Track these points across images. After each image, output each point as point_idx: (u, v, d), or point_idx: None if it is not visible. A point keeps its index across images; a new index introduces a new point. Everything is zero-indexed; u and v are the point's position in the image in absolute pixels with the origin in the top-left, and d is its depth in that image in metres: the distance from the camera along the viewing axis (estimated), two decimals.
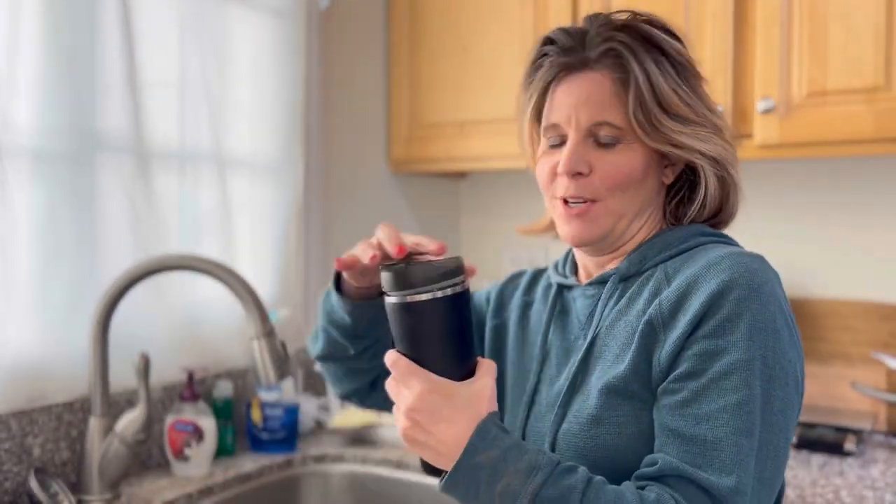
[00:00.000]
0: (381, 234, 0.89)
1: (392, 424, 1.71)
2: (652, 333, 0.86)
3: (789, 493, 1.38)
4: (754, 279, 0.83)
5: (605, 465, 0.86)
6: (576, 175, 0.91)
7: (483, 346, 1.12)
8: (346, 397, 1.13)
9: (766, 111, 1.59)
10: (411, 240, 0.87)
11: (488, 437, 0.79)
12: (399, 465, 1.62)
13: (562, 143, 0.94)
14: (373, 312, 1.00)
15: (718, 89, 1.65)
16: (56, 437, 1.39)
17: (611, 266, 0.97)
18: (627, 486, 0.80)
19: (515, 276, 1.14)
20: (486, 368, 0.84)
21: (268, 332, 1.34)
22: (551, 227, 1.04)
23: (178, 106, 1.60)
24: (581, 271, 1.01)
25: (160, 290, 1.54)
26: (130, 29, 1.49)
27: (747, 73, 1.64)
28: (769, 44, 1.60)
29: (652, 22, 0.93)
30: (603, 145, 0.91)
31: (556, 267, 1.06)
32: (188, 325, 1.61)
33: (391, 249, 0.86)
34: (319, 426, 1.83)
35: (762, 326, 0.82)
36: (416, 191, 2.30)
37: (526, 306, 1.08)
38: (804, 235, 1.92)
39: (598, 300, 0.95)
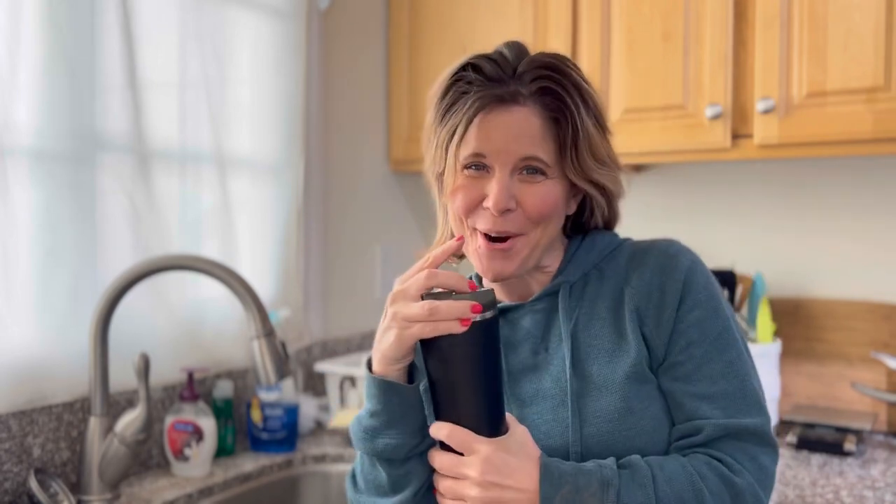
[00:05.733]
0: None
1: None
2: (639, 320, 0.95)
3: (789, 492, 1.38)
4: (697, 255, 0.99)
5: (635, 450, 0.91)
6: (504, 211, 0.92)
7: None
8: None
9: (766, 111, 1.59)
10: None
11: (555, 477, 0.85)
12: None
13: (479, 168, 0.94)
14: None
15: (718, 89, 1.66)
16: (56, 437, 1.39)
17: (536, 283, 1.01)
18: (678, 460, 0.89)
19: None
20: (512, 418, 0.90)
21: (268, 332, 1.34)
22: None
23: (178, 106, 1.60)
24: (506, 294, 1.03)
25: (160, 290, 1.54)
26: (130, 29, 1.49)
27: (747, 73, 1.64)
28: (769, 44, 1.60)
29: (576, 70, 0.97)
30: (527, 179, 0.93)
31: None
32: (188, 325, 1.61)
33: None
34: (319, 426, 1.84)
35: (718, 290, 0.98)
36: (416, 191, 2.30)
37: None
38: (804, 235, 1.92)
39: (553, 311, 0.99)
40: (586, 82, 0.97)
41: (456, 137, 0.95)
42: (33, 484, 1.29)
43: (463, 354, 0.85)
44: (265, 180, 1.81)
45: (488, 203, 0.92)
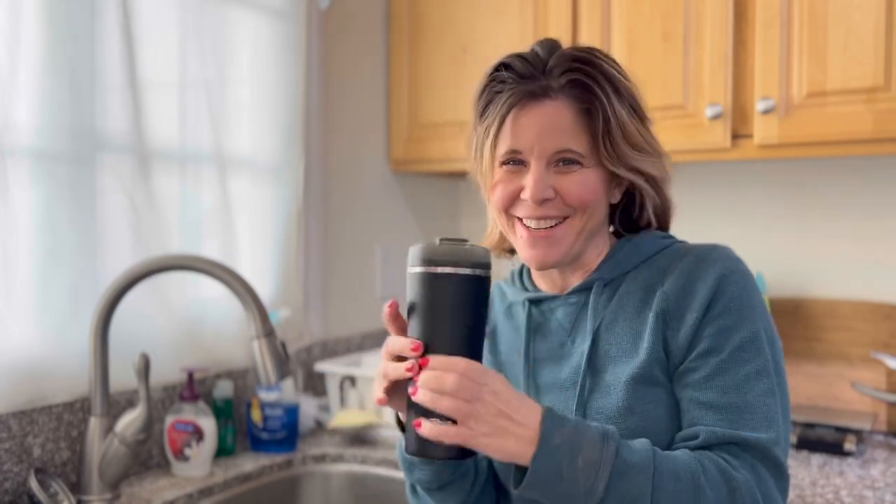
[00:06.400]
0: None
1: (391, 425, 1.71)
2: (664, 323, 0.94)
3: (789, 492, 1.38)
4: (740, 265, 0.96)
5: None
6: (543, 201, 0.95)
7: None
8: None
9: (766, 111, 1.59)
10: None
11: (557, 417, 0.84)
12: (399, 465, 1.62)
13: (516, 164, 0.97)
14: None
15: (718, 89, 1.65)
16: (56, 437, 1.39)
17: (575, 277, 1.03)
18: (682, 451, 0.88)
19: None
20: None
21: (268, 332, 1.34)
22: (501, 243, 1.09)
23: (178, 106, 1.60)
24: (547, 284, 1.05)
25: (160, 290, 1.54)
26: (130, 29, 1.49)
27: (747, 73, 1.64)
28: (769, 44, 1.60)
29: (608, 61, 0.98)
30: (563, 170, 0.96)
31: (513, 283, 1.11)
32: (188, 325, 1.61)
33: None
34: (319, 426, 1.84)
35: (757, 302, 0.94)
36: (416, 191, 2.30)
37: (490, 334, 1.12)
38: (804, 235, 1.92)
39: (584, 305, 1.01)
40: (619, 72, 0.98)
41: (491, 135, 0.98)
42: (33, 484, 1.29)
43: (447, 305, 0.85)
44: (265, 180, 1.81)
45: (525, 195, 0.95)
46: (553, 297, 1.04)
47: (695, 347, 0.92)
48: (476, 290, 0.86)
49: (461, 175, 2.42)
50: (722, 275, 0.94)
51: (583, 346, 0.99)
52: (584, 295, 1.01)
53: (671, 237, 1.04)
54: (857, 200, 1.86)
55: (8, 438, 1.31)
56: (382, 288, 2.18)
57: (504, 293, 1.13)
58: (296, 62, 1.83)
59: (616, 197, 1.02)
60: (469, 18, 2.01)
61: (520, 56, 0.98)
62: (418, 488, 1.06)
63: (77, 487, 1.38)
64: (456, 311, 0.86)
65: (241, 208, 1.74)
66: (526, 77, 0.97)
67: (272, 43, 1.80)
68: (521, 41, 1.92)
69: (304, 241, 1.91)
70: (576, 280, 1.03)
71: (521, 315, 1.07)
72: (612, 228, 1.07)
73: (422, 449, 0.86)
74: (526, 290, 1.08)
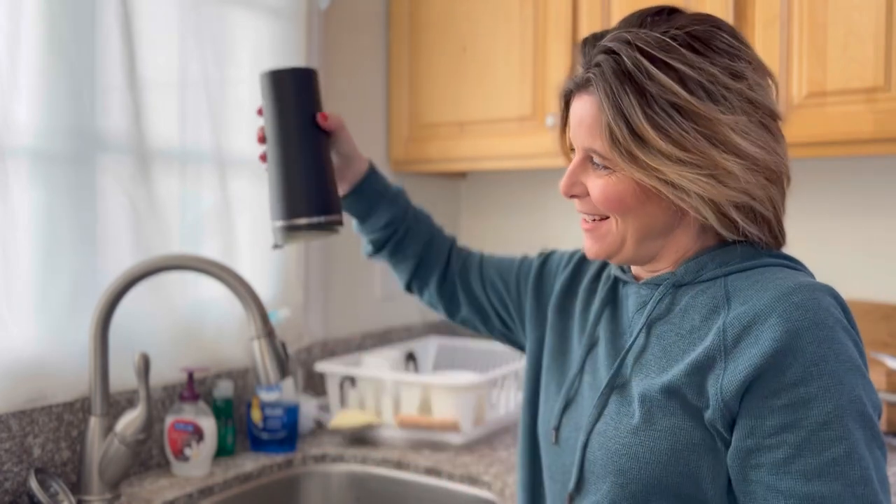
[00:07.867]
0: None
1: (390, 425, 1.71)
2: (710, 359, 0.82)
3: None
4: (829, 317, 0.79)
5: (632, 474, 0.86)
6: (573, 196, 0.94)
7: (546, 320, 1.13)
8: (410, 290, 1.33)
9: None
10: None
11: None
12: (399, 465, 1.62)
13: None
14: (362, 203, 1.27)
15: None
16: (56, 437, 1.39)
17: (660, 270, 0.94)
18: None
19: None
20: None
21: (268, 332, 1.34)
22: None
23: (178, 106, 1.60)
24: (634, 269, 1.00)
25: (160, 290, 1.54)
26: (130, 29, 1.49)
27: None
28: (769, 44, 1.60)
29: (640, 46, 0.84)
30: (597, 173, 0.91)
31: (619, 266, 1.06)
32: (188, 325, 1.61)
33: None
34: (319, 426, 1.83)
35: (848, 367, 0.78)
36: (416, 191, 2.30)
37: (591, 294, 1.06)
38: (803, 236, 1.92)
39: (649, 302, 0.93)
40: (658, 58, 0.83)
41: (558, 126, 0.99)
42: (33, 484, 1.29)
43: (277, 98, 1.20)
44: (265, 180, 1.80)
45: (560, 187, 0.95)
46: (631, 282, 0.97)
47: (764, 416, 0.78)
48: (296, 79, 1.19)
49: (461, 175, 2.43)
50: (796, 327, 0.77)
51: (629, 342, 0.93)
52: (653, 290, 0.93)
53: (781, 256, 0.90)
54: (857, 200, 1.86)
55: (8, 438, 1.31)
56: (383, 288, 2.18)
57: (611, 268, 1.06)
58: (296, 62, 1.83)
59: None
60: (469, 18, 2.01)
61: (587, 37, 0.91)
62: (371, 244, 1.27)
63: (77, 487, 1.38)
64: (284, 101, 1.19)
65: (241, 208, 1.74)
66: (581, 64, 0.91)
67: (272, 43, 1.80)
68: (521, 41, 1.92)
69: None
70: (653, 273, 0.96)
71: (605, 292, 1.03)
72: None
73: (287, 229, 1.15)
74: (621, 270, 1.01)
